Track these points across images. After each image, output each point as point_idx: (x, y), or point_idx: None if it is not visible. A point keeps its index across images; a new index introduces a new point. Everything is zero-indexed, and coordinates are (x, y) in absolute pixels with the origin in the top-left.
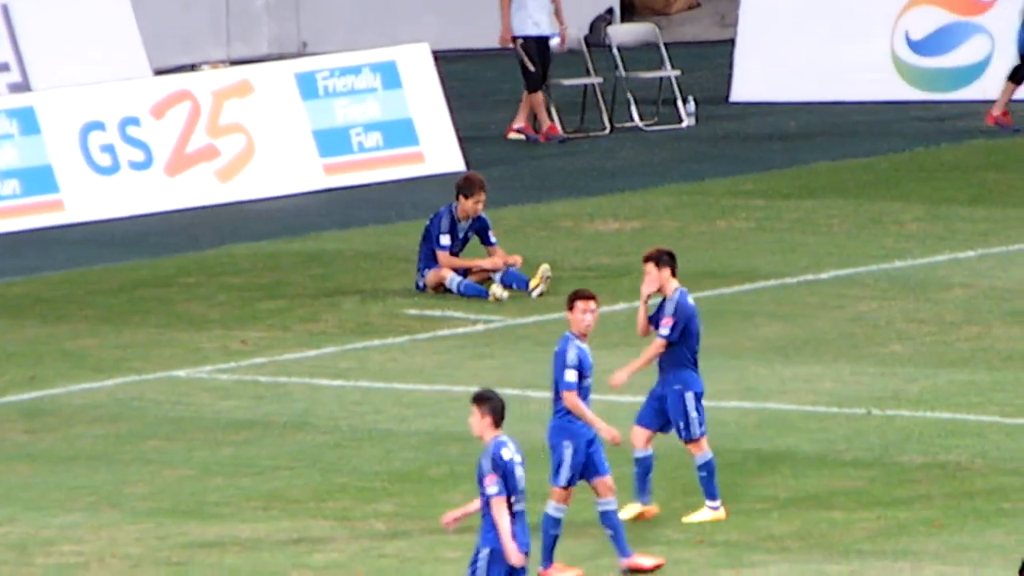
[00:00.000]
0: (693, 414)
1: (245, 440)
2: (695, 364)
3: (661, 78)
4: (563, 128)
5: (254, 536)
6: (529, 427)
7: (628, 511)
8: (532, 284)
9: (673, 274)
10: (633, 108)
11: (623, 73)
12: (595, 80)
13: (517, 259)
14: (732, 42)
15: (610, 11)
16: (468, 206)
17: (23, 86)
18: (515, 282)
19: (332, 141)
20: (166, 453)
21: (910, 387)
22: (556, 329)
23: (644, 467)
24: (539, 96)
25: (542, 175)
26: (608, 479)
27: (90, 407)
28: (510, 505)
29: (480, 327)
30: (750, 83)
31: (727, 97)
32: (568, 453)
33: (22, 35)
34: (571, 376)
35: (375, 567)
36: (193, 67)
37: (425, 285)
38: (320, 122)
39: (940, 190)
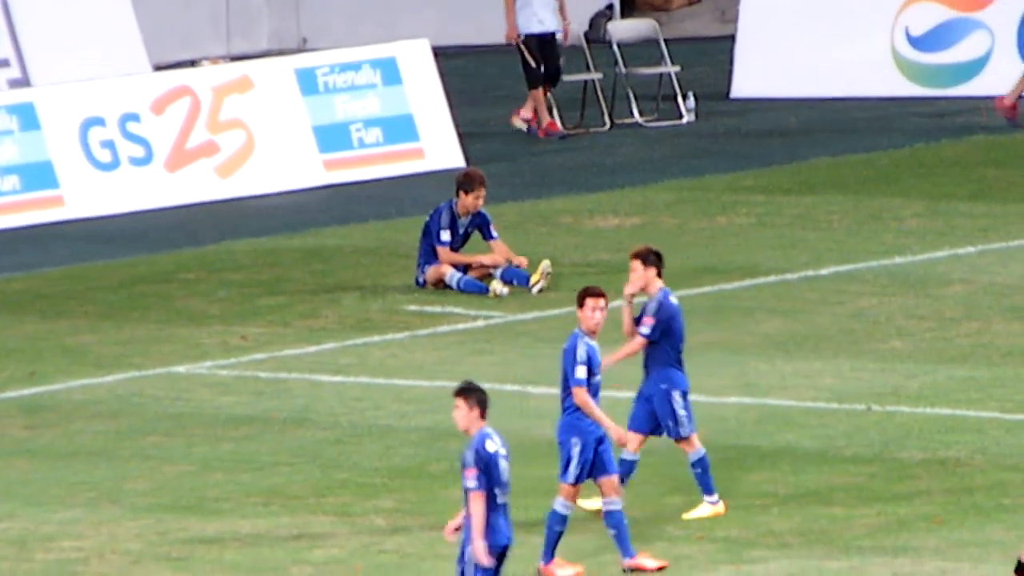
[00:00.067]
0: (682, 412)
1: (245, 436)
2: (680, 363)
3: (661, 74)
4: (563, 124)
5: (254, 532)
6: (529, 423)
7: (590, 504)
8: (533, 280)
9: (659, 274)
10: (633, 104)
11: (623, 69)
12: (595, 76)
13: (523, 261)
14: (732, 38)
15: (610, 7)
16: (468, 202)
17: (23, 82)
18: (515, 278)
19: (332, 137)
20: (166, 449)
21: (910, 383)
22: (556, 325)
23: (627, 468)
24: (539, 92)
25: (542, 171)
26: (614, 479)
27: (90, 403)
28: (494, 498)
29: (480, 323)
30: (750, 79)
31: (727, 93)
32: (576, 450)
33: (22, 31)
34: (581, 372)
35: (375, 563)
36: (193, 63)
37: (425, 281)
38: (320, 118)
39: (940, 186)
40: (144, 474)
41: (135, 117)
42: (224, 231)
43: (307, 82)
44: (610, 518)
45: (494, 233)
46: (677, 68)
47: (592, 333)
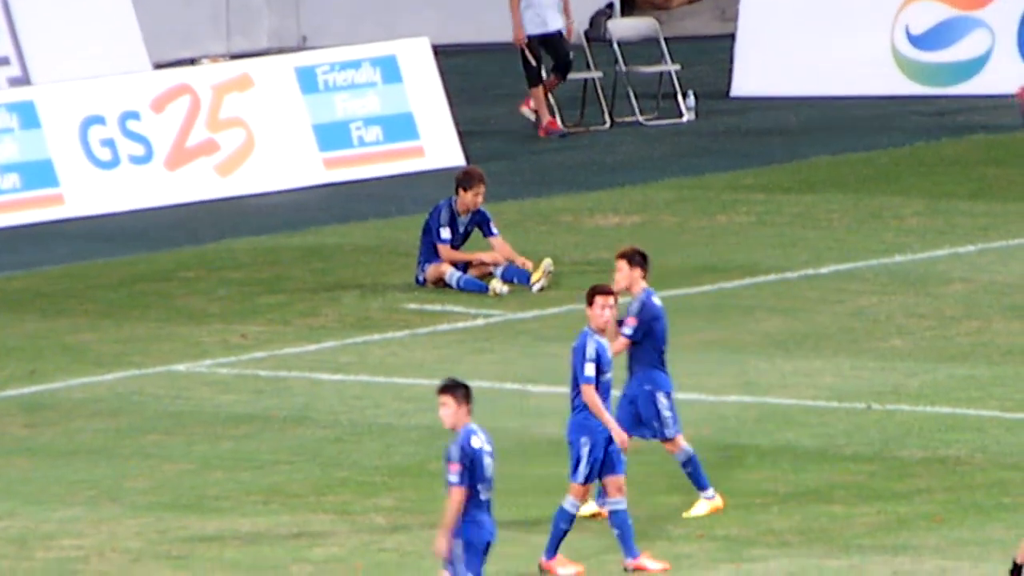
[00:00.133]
0: (666, 414)
1: (245, 434)
2: (663, 364)
3: (661, 73)
4: (563, 123)
5: (254, 530)
6: (528, 422)
7: (585, 509)
8: (534, 278)
9: (644, 275)
10: (633, 103)
11: (623, 68)
12: (595, 75)
13: (526, 263)
14: (732, 37)
15: (610, 5)
16: (467, 199)
17: (23, 80)
18: (516, 277)
19: (332, 135)
20: (166, 447)
21: (910, 382)
22: (556, 324)
23: None
24: (539, 91)
25: (542, 169)
26: (620, 479)
27: (90, 401)
28: (478, 494)
29: (480, 322)
30: (750, 78)
31: (727, 92)
32: (586, 450)
33: (22, 29)
34: (590, 370)
35: (375, 561)
36: (193, 61)
37: (425, 279)
38: (320, 116)
39: (940, 185)
40: (144, 472)
41: (135, 115)
42: (224, 229)
43: (307, 80)
44: (614, 518)
45: (494, 230)
46: (677, 67)
47: (601, 331)
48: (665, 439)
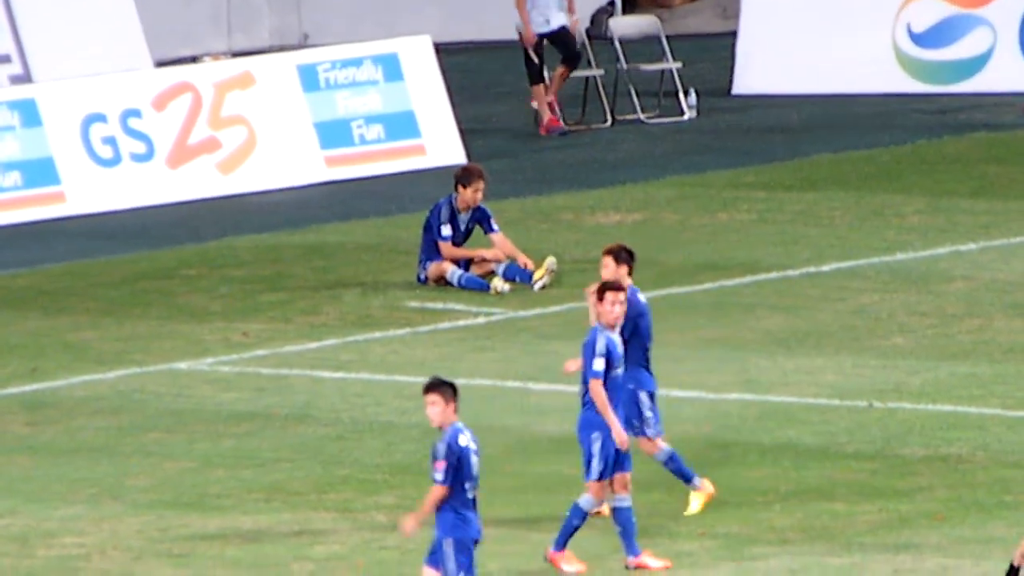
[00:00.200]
0: (648, 413)
1: (246, 432)
2: (647, 362)
3: (663, 70)
4: (564, 120)
5: (255, 528)
6: (529, 419)
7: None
8: (536, 276)
9: (629, 272)
10: (635, 100)
11: (625, 65)
12: (597, 72)
13: (529, 263)
14: (734, 34)
15: (612, 3)
16: (467, 196)
17: (24, 78)
18: (518, 275)
19: (333, 133)
20: (167, 445)
21: (912, 380)
22: (557, 322)
23: None
24: (540, 89)
25: (543, 167)
26: (627, 476)
27: (92, 399)
28: (464, 492)
29: (481, 320)
30: (752, 75)
31: (729, 89)
32: (597, 446)
33: (23, 27)
34: (599, 364)
35: (376, 559)
36: (194, 59)
37: (426, 278)
38: (321, 114)
39: (942, 183)
40: (145, 470)
41: (136, 113)
42: (226, 227)
43: (309, 78)
44: (618, 515)
45: (495, 227)
46: (679, 64)
47: (611, 327)
48: (645, 438)
